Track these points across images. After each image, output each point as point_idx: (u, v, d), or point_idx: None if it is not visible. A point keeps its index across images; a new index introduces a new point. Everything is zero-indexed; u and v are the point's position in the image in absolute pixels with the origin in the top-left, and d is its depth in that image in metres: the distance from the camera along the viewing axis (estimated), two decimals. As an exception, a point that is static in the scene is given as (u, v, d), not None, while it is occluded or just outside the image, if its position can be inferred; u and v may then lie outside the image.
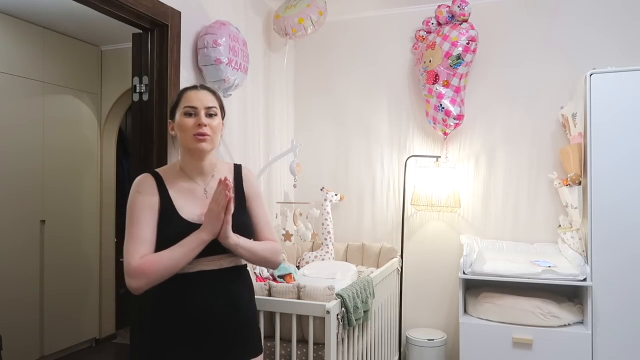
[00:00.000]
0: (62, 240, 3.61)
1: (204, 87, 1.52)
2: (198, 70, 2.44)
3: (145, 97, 2.28)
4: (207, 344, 1.42)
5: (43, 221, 3.46)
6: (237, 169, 1.60)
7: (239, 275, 1.52)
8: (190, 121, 1.44)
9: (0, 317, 3.11)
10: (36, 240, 3.42)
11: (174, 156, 2.29)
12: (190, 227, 1.39)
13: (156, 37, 2.26)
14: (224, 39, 2.35)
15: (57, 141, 3.58)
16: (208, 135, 1.44)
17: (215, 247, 1.42)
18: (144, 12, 2.11)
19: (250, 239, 1.50)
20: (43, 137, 3.48)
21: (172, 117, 1.50)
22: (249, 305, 1.55)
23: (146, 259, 1.34)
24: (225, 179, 1.33)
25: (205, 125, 1.43)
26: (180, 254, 1.35)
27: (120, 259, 4.17)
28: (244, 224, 1.50)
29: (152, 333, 1.44)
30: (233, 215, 1.39)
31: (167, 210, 1.41)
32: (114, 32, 3.50)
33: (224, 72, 2.35)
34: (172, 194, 1.44)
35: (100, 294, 3.95)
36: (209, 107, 1.46)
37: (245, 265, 1.57)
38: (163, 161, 2.24)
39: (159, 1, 2.20)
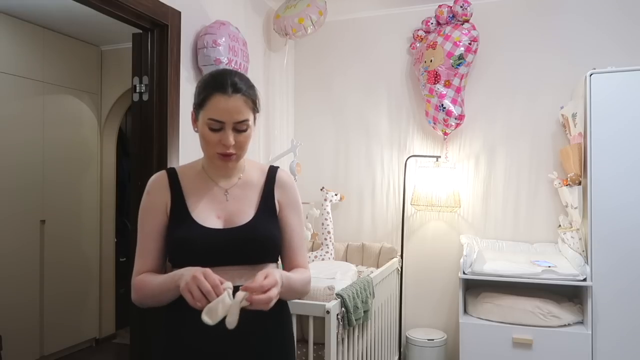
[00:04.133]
0: (62, 240, 3.60)
1: (236, 88, 1.21)
2: (198, 70, 2.44)
3: (145, 97, 2.28)
4: None
5: (43, 221, 3.46)
6: (272, 170, 1.37)
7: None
8: (214, 137, 1.21)
9: (1, 317, 3.11)
10: (36, 240, 3.41)
11: (174, 156, 2.29)
12: (203, 231, 1.23)
13: (156, 37, 2.26)
14: (223, 39, 2.35)
15: (57, 141, 3.58)
16: (234, 155, 1.23)
17: (224, 253, 1.23)
18: (144, 12, 2.11)
19: (272, 251, 1.31)
20: (43, 137, 3.48)
21: (196, 111, 1.25)
22: (273, 343, 1.27)
23: (140, 278, 1.24)
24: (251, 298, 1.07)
25: (231, 145, 1.21)
26: (160, 290, 1.19)
27: (121, 259, 4.21)
28: (270, 234, 1.29)
29: None
30: (253, 223, 1.26)
31: (178, 210, 1.26)
32: (114, 32, 3.50)
33: (224, 72, 2.35)
34: (187, 192, 1.28)
35: (100, 294, 3.95)
36: (239, 122, 1.21)
37: None
38: (163, 161, 2.24)
39: (159, 1, 2.20)
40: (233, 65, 2.39)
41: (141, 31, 2.28)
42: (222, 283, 1.06)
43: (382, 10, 3.33)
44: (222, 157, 1.23)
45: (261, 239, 1.26)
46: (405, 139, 3.30)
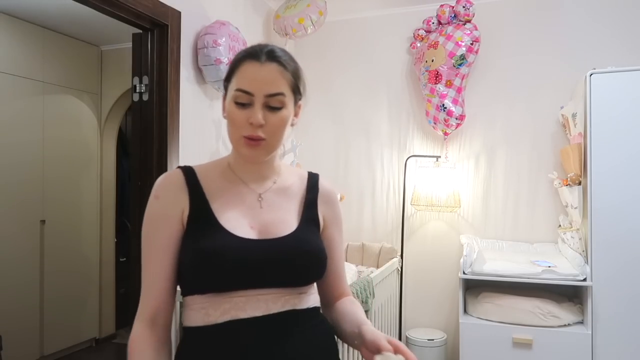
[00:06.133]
0: (62, 240, 3.60)
1: (272, 56, 0.98)
2: (198, 70, 2.44)
3: (145, 97, 2.28)
4: None
5: (43, 221, 3.46)
6: (313, 178, 1.14)
7: (301, 323, 1.00)
8: (241, 115, 0.96)
9: (1, 317, 3.11)
10: (36, 240, 3.41)
11: (174, 156, 2.29)
12: (237, 242, 0.96)
13: (156, 37, 2.26)
14: (223, 39, 2.35)
15: (57, 141, 3.58)
16: (263, 140, 0.98)
17: (263, 271, 0.96)
18: (144, 12, 2.11)
19: (321, 271, 1.06)
20: (43, 137, 3.47)
21: (225, 87, 1.03)
22: None
23: (135, 344, 0.95)
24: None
25: (260, 126, 0.96)
26: None
27: (121, 259, 4.21)
28: (322, 248, 1.06)
29: None
30: (299, 233, 1.03)
31: (200, 216, 0.99)
32: (114, 32, 3.50)
33: (223, 72, 2.35)
34: (210, 194, 1.01)
35: (100, 293, 3.95)
36: (272, 95, 0.97)
37: (316, 309, 1.07)
38: (163, 161, 2.24)
39: (159, 1, 2.20)
40: (233, 65, 2.39)
41: (141, 31, 2.28)
42: None
43: (382, 10, 3.33)
44: (249, 142, 0.97)
45: (312, 252, 1.02)
46: (405, 139, 3.30)
